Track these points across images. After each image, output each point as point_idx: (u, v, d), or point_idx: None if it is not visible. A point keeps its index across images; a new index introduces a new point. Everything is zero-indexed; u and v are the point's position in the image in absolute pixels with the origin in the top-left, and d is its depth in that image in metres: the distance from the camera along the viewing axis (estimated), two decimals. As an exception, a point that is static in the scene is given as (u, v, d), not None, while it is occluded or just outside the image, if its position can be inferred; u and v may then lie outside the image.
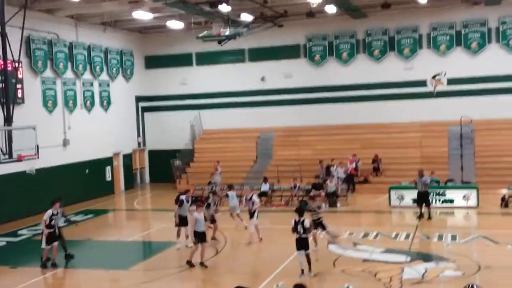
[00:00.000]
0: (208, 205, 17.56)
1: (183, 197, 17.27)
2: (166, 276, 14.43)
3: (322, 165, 26.39)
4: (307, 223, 13.69)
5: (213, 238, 17.36)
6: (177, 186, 28.91)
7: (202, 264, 14.74)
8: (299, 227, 13.52)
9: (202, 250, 14.71)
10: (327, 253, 15.71)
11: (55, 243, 15.24)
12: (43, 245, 15.10)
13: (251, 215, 17.56)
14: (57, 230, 15.38)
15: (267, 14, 26.86)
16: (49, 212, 15.16)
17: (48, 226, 15.09)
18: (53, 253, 15.26)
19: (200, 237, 14.76)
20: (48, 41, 25.37)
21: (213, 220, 17.57)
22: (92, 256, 17.48)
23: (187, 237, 16.72)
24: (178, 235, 17.10)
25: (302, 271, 13.55)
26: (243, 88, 31.59)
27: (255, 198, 17.91)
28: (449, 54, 28.78)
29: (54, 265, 15.20)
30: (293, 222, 13.70)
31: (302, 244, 13.56)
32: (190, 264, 14.78)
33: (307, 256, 13.60)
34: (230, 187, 20.56)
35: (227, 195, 20.11)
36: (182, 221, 17.02)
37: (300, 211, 14.01)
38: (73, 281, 14.81)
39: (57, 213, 15.44)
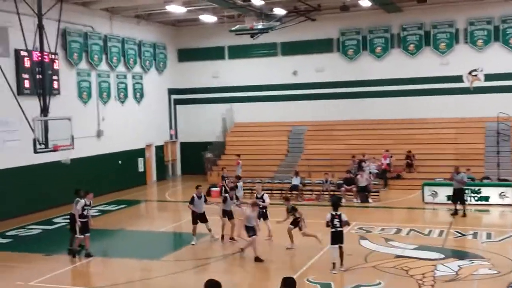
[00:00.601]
0: (225, 199, 17.09)
1: (194, 194, 16.73)
2: (196, 267, 14.52)
3: (354, 160, 26.17)
4: (344, 216, 13.69)
5: (231, 239, 16.61)
6: (208, 179, 29.05)
7: (257, 258, 14.45)
8: (336, 221, 13.51)
9: (253, 243, 14.59)
10: (359, 248, 15.56)
11: (88, 234, 15.42)
12: (77, 234, 15.28)
13: (263, 215, 16.71)
14: (90, 221, 15.56)
15: (300, 8, 26.71)
16: (82, 202, 15.31)
17: (81, 216, 15.28)
18: (86, 243, 15.45)
19: (253, 230, 14.77)
20: (83, 34, 25.73)
21: (230, 217, 16.91)
22: (125, 245, 17.74)
23: (210, 230, 16.75)
24: (194, 233, 16.55)
25: (334, 264, 13.52)
26: (275, 82, 31.51)
27: (266, 197, 17.09)
28: (486, 50, 28.15)
29: (88, 255, 15.36)
30: (329, 216, 13.63)
31: (338, 238, 13.55)
32: (258, 259, 14.42)
33: (341, 249, 13.55)
34: (239, 178, 21.54)
35: (236, 186, 20.15)
36: (198, 218, 16.63)
37: (336, 205, 14.07)
38: (107, 269, 15.00)
39: (90, 203, 15.63)
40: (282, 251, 15.57)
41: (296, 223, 15.73)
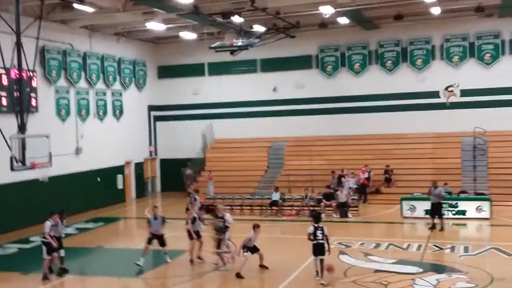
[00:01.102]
0: (194, 219, 16.44)
1: (149, 215, 16.08)
2: (177, 284, 14.44)
3: (333, 175, 26.34)
4: (325, 230, 14.07)
5: (199, 258, 16.20)
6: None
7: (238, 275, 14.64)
8: (319, 232, 13.86)
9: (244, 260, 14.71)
10: (338, 263, 15.60)
11: (55, 253, 15.18)
12: (44, 255, 15.04)
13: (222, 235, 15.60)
14: (56, 241, 15.17)
15: (279, 25, 26.97)
16: (48, 223, 15.13)
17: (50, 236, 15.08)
18: (54, 262, 15.25)
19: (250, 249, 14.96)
20: (62, 51, 25.66)
21: (199, 235, 16.32)
22: (103, 263, 17.54)
23: (165, 253, 16.28)
24: (144, 252, 15.92)
25: (317, 272, 13.83)
26: (255, 98, 31.70)
27: (228, 217, 15.73)
28: (462, 66, 28.69)
29: (64, 271, 15.24)
30: (312, 228, 13.98)
31: (319, 250, 13.85)
32: (239, 276, 14.54)
33: (321, 262, 13.80)
34: (196, 191, 21.79)
35: (195, 199, 20.32)
36: (153, 239, 16.19)
37: (317, 217, 14.46)
38: (85, 287, 14.84)
39: (57, 224, 15.41)
40: (259, 268, 15.56)
41: (218, 242, 15.36)
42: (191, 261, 16.09)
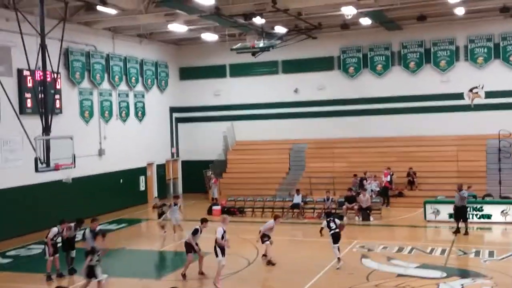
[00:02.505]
0: (196, 231, 14.85)
1: (87, 228, 15.09)
2: (198, 287, 14.42)
3: (356, 178, 26.14)
4: (338, 220, 16.05)
5: (201, 273, 15.02)
6: (210, 197, 28.99)
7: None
8: (332, 224, 15.66)
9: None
10: (361, 267, 15.49)
11: (57, 255, 15.45)
12: (47, 256, 15.31)
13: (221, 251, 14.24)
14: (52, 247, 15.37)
15: (301, 26, 26.89)
16: (54, 229, 15.45)
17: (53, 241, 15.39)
18: (56, 264, 15.48)
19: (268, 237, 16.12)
20: (86, 53, 25.91)
21: (194, 250, 14.94)
22: (125, 265, 17.65)
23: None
24: None
25: (339, 259, 15.27)
26: (276, 100, 31.63)
27: (219, 233, 14.15)
28: (486, 67, 28.27)
29: (73, 270, 15.63)
30: (325, 223, 15.91)
31: (336, 238, 15.54)
32: (270, 263, 15.94)
33: (339, 248, 15.53)
34: (177, 197, 22.50)
35: (175, 204, 20.67)
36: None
37: (328, 213, 17.49)
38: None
39: (63, 230, 15.65)
40: (286, 269, 15.51)
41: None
42: (184, 276, 14.77)
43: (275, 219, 16.41)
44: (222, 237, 14.05)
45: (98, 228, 15.74)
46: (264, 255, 16.25)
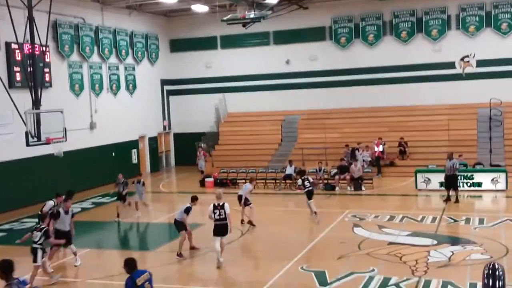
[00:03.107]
0: (188, 210, 14.51)
1: (61, 208, 14.46)
2: (191, 257, 14.56)
3: (347, 148, 26.23)
4: (311, 178, 17.96)
5: (192, 247, 14.85)
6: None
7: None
8: (306, 182, 17.42)
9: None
10: (353, 235, 15.65)
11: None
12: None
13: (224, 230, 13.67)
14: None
15: (292, -4, 26.64)
16: (51, 203, 15.54)
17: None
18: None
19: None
20: (74, 25, 25.59)
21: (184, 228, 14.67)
22: (118, 237, 17.74)
23: (75, 254, 14.27)
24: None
25: (315, 213, 17.24)
26: (268, 71, 31.49)
27: (227, 208, 13.46)
28: (478, 35, 28.20)
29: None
30: (300, 181, 17.68)
31: (311, 194, 17.43)
32: (251, 223, 17.01)
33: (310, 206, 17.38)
34: (140, 174, 22.42)
35: (138, 181, 20.31)
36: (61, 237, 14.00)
37: (301, 172, 18.52)
38: (100, 261, 15.03)
39: (58, 204, 15.61)
40: (277, 240, 15.64)
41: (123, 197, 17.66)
42: (180, 254, 14.32)
43: (251, 182, 18.41)
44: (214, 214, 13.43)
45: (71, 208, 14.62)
46: (247, 220, 17.18)
